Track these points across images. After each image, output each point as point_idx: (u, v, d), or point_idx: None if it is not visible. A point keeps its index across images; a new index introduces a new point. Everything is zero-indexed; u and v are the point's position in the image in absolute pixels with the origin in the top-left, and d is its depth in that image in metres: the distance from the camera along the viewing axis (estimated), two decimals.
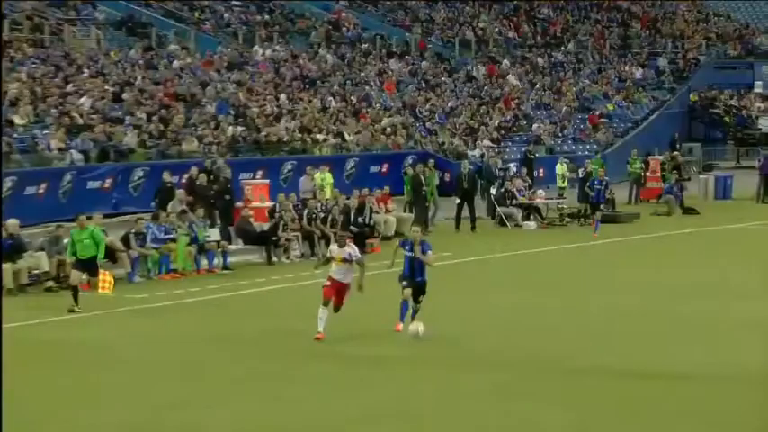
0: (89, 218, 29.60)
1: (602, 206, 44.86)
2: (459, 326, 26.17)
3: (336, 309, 23.56)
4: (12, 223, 31.84)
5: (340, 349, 22.83)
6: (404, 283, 23.63)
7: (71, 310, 27.15)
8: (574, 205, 49.03)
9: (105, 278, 27.75)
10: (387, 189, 45.01)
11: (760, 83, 77.65)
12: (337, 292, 23.45)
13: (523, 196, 48.27)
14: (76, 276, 27.60)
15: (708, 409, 19.12)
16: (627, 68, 76.10)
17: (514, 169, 52.38)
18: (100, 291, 27.65)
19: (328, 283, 23.48)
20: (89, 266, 27.77)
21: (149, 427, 18.11)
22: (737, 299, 30.30)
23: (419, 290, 23.65)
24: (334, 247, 24.48)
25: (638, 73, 75.72)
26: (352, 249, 23.96)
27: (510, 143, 60.77)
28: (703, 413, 18.90)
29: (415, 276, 23.54)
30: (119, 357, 23.71)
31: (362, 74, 63.84)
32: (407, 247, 23.95)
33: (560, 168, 52.70)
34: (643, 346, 24.60)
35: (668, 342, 25.15)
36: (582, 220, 46.90)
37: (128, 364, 23.07)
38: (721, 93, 74.88)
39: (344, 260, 23.53)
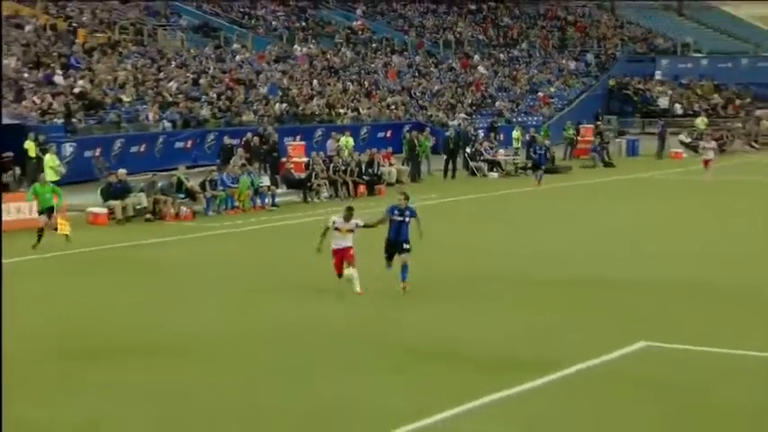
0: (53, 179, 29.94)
1: (543, 165, 43.54)
2: (440, 250, 25.71)
3: (348, 266, 19.34)
4: (121, 172, 32.45)
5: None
6: (385, 255, 19.74)
7: (34, 247, 25.23)
8: (524, 161, 48.79)
9: (63, 222, 25.98)
10: (390, 149, 45.32)
11: (659, 72, 77.42)
12: (343, 258, 19.33)
13: (489, 154, 48.46)
14: (43, 220, 25.93)
15: (637, 307, 19.14)
16: (564, 62, 75.44)
17: (482, 134, 52.30)
18: (58, 232, 25.79)
19: (335, 259, 19.46)
20: (49, 213, 25.90)
21: (232, 320, 17.96)
22: (651, 226, 30.85)
23: (402, 245, 19.38)
24: (339, 219, 19.50)
25: (572, 65, 75.16)
26: (357, 220, 19.66)
27: (479, 116, 60.24)
28: (632, 310, 18.90)
29: (399, 237, 19.27)
30: (197, 269, 23.74)
31: (372, 65, 63.33)
32: (396, 212, 19.61)
33: (516, 134, 52.81)
34: (582, 261, 24.55)
35: (601, 257, 25.16)
36: (530, 171, 46.06)
37: (204, 273, 23.01)
38: (631, 79, 74.44)
39: (350, 231, 19.38)
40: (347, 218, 19.52)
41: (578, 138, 55.87)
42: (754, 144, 63.30)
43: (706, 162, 45.61)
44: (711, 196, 39.17)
